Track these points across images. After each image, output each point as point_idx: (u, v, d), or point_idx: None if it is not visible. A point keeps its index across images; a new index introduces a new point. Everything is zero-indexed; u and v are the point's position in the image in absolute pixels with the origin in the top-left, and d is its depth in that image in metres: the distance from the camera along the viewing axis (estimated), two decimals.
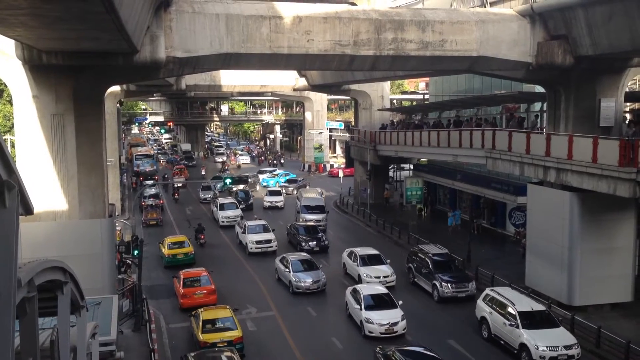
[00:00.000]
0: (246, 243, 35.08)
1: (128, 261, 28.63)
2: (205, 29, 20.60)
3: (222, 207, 43.39)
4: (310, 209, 41.01)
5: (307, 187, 55.33)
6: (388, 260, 29.04)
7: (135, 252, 24.38)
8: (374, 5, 32.74)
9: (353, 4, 32.90)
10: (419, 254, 28.68)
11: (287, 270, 28.19)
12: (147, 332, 22.21)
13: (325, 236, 36.03)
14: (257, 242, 34.67)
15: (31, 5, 11.59)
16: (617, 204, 22.79)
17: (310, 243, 34.63)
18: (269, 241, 34.87)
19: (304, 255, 30.23)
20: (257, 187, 59.70)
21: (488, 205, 38.99)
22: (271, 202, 49.58)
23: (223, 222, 42.22)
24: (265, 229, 35.85)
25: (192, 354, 18.77)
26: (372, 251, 30.03)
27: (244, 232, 35.97)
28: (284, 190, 54.89)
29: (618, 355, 19.85)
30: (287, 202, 50.24)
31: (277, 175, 64.56)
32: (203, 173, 67.23)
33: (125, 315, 23.52)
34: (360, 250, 30.00)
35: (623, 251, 24.02)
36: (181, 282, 26.39)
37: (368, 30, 22.08)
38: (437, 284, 26.16)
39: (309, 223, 37.96)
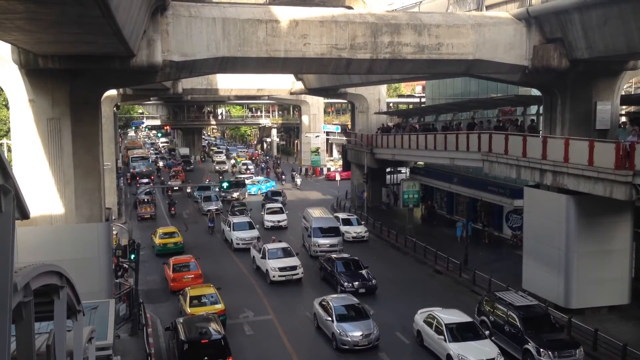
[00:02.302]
0: (267, 270, 29.97)
1: (125, 265, 28.60)
2: (202, 32, 20.59)
3: (235, 227, 37.77)
4: (324, 231, 34.90)
5: (286, 198, 52.16)
6: (487, 332, 20.86)
7: (132, 256, 24.34)
8: (370, 9, 32.77)
9: (350, 7, 32.99)
10: (497, 305, 21.92)
11: (330, 319, 22.17)
12: (144, 336, 22.12)
13: (371, 273, 28.60)
14: (281, 269, 29.59)
15: (27, 9, 11.57)
16: (613, 206, 22.85)
17: (353, 283, 27.45)
18: (293, 267, 29.77)
19: (350, 299, 23.88)
20: (246, 195, 57.17)
21: (485, 208, 39.04)
22: (273, 222, 42.95)
23: (238, 244, 36.49)
24: (287, 253, 30.80)
25: (180, 320, 20.94)
26: (463, 317, 21.24)
27: (263, 257, 30.90)
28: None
29: (615, 358, 19.85)
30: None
31: (258, 182, 61.73)
32: (189, 190, 57.95)
33: (122, 319, 23.48)
34: (445, 316, 21.08)
35: (620, 254, 24.06)
36: (171, 268, 29.31)
37: (364, 33, 22.12)
38: (532, 350, 19.36)
39: (347, 255, 30.65)
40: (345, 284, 27.37)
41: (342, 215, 40.19)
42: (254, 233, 36.82)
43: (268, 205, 45.91)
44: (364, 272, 28.45)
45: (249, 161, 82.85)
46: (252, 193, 58.61)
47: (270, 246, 31.57)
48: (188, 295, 24.41)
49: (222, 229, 40.41)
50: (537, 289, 25.24)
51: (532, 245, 26.06)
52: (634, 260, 25.24)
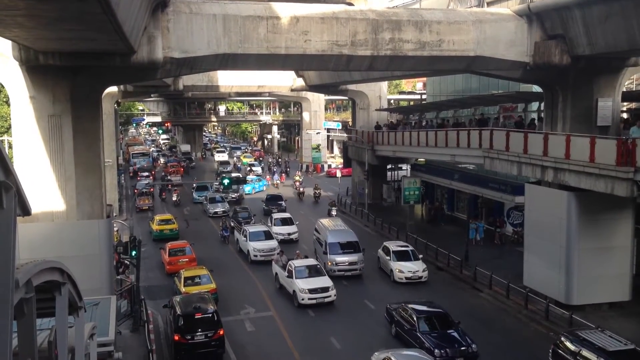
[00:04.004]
0: (294, 291, 26.25)
1: (126, 262, 28.66)
2: (203, 29, 20.57)
3: (251, 236, 34.22)
4: (342, 247, 30.52)
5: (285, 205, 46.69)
6: None
7: (133, 253, 24.37)
8: (371, 5, 32.69)
9: (350, 4, 32.87)
10: (582, 348, 17.36)
11: None
12: (145, 332, 22.21)
13: (468, 333, 20.81)
14: (311, 291, 25.73)
15: (28, 5, 11.56)
16: (614, 203, 22.84)
17: (447, 350, 19.78)
18: (325, 289, 25.95)
19: (422, 357, 18.42)
20: (243, 195, 55.16)
21: (486, 204, 39.03)
22: (283, 235, 37.37)
23: (255, 256, 33.08)
24: (316, 271, 27.04)
25: (177, 298, 23.02)
26: None
27: (289, 276, 26.91)
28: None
29: None
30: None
31: (251, 181, 59.04)
32: (175, 198, 53.12)
33: (123, 315, 23.53)
34: None
35: (621, 250, 24.08)
36: (167, 252, 31.86)
37: (365, 30, 22.08)
38: None
39: (429, 308, 22.44)
40: (436, 350, 19.61)
41: (393, 246, 31.10)
42: (273, 244, 33.62)
43: (275, 215, 40.51)
44: (456, 333, 20.75)
45: (256, 162, 78.20)
46: (247, 192, 56.68)
47: (297, 263, 27.60)
48: (183, 276, 26.72)
49: (236, 238, 37.03)
50: (538, 286, 25.27)
51: (533, 241, 26.07)
52: (635, 257, 25.24)
